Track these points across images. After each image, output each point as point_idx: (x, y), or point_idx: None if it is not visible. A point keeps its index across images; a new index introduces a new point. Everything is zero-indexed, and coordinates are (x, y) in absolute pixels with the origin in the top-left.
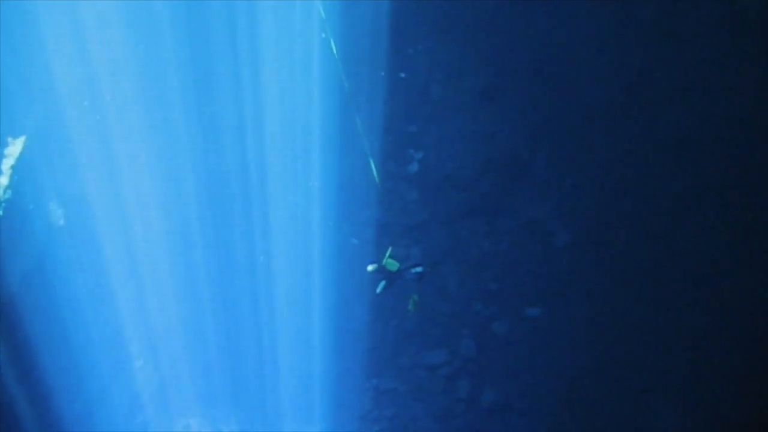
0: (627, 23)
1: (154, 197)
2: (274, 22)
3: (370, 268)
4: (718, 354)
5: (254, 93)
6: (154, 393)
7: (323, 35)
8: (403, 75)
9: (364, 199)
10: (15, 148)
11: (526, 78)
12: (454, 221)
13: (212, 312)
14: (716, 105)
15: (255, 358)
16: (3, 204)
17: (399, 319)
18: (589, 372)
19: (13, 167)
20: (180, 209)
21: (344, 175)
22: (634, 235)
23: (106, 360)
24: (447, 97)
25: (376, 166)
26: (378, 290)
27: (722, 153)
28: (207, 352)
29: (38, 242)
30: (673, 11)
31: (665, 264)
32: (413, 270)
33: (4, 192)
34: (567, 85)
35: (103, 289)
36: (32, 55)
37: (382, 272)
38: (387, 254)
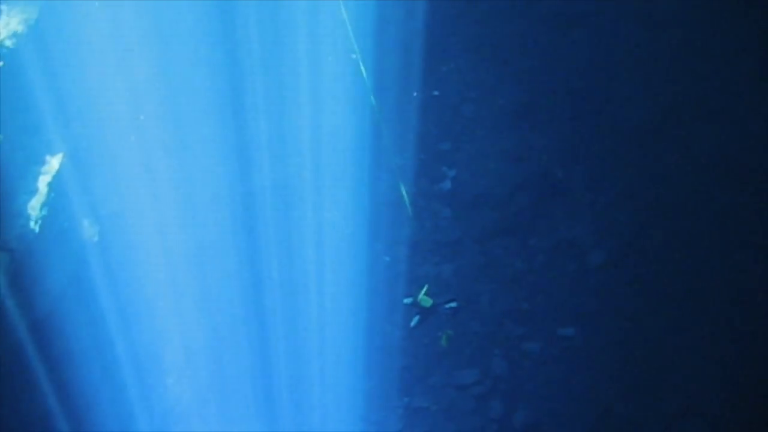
0: (662, 43)
1: (188, 215)
2: (305, 43)
3: (406, 301)
4: (756, 379)
5: (286, 112)
6: (187, 409)
7: (354, 56)
8: (436, 93)
9: (397, 217)
10: (52, 165)
11: (560, 97)
12: (487, 239)
13: (245, 329)
14: (753, 125)
15: (287, 375)
16: (39, 221)
17: (431, 337)
18: (622, 394)
19: (49, 185)
20: (213, 227)
21: (377, 193)
22: (669, 255)
23: (140, 376)
24: (480, 115)
25: (408, 184)
26: (412, 324)
27: (760, 174)
28: (239, 369)
29: (73, 259)
30: (710, 32)
31: (701, 286)
32: (447, 305)
33: (41, 209)
34: (601, 105)
35: (137, 305)
36: (70, 74)
37: (416, 306)
38: (423, 291)
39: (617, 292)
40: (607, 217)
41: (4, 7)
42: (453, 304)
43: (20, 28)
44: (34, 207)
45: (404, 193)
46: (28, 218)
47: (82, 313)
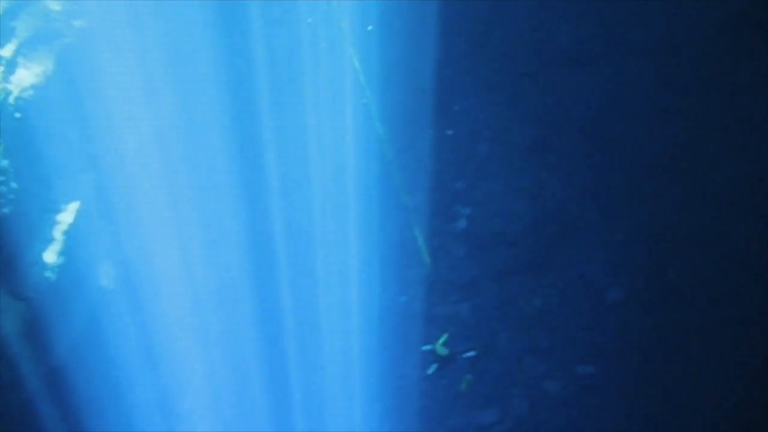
0: (676, 79)
1: (202, 258)
2: (314, 86)
3: (424, 348)
4: None
5: (298, 155)
6: None
7: (364, 100)
8: (449, 132)
9: (412, 257)
10: (68, 214)
11: (573, 134)
12: (503, 277)
13: (264, 374)
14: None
15: (304, 418)
16: (56, 269)
17: (449, 379)
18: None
19: (65, 233)
20: (228, 271)
21: (391, 233)
22: (687, 291)
23: (158, 423)
24: (494, 153)
25: (422, 224)
26: (429, 372)
27: None
28: (259, 415)
29: (90, 306)
30: (723, 67)
31: (721, 321)
32: (465, 355)
33: (57, 257)
34: (615, 141)
35: (154, 352)
36: (86, 124)
37: (434, 355)
38: (441, 341)
39: (636, 329)
40: (624, 254)
41: (21, 59)
42: (472, 353)
43: (37, 80)
44: (50, 255)
45: (418, 233)
46: (44, 267)
47: (99, 361)
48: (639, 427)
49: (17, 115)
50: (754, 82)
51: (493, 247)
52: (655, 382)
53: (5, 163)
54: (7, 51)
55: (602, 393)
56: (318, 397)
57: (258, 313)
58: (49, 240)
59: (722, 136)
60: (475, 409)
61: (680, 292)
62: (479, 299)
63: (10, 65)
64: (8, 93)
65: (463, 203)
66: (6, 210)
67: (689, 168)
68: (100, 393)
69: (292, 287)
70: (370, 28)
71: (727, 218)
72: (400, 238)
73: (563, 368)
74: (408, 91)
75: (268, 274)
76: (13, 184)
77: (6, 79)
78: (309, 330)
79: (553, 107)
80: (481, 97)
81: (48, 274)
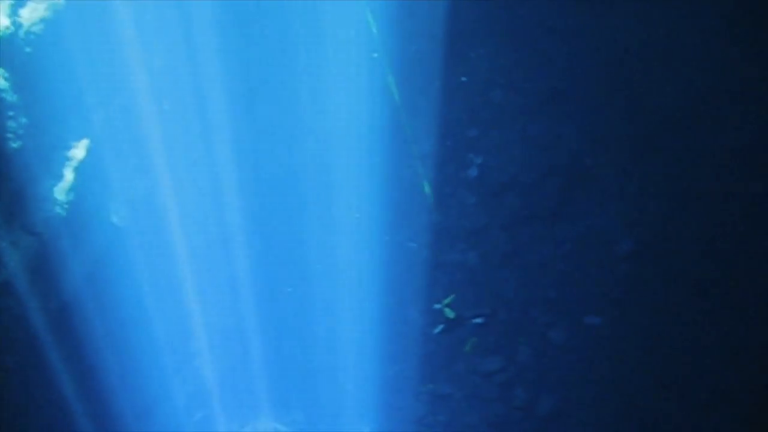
0: (696, 29)
1: (213, 199)
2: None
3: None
4: None
5: (309, 100)
6: (213, 392)
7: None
8: (464, 79)
9: (423, 204)
10: (79, 151)
11: (590, 82)
12: (513, 227)
13: (270, 313)
14: None
15: (312, 360)
16: (66, 205)
17: (455, 335)
18: (649, 384)
19: (76, 169)
20: (240, 211)
21: (402, 180)
22: (700, 245)
23: (166, 359)
24: (508, 101)
25: (434, 171)
26: (435, 331)
27: None
28: (264, 353)
29: (100, 243)
30: (747, 17)
31: (732, 276)
32: (474, 320)
33: (68, 194)
34: (633, 91)
35: (163, 289)
36: (97, 61)
37: (440, 317)
38: (446, 301)
39: (645, 282)
40: (636, 206)
41: None
42: (479, 320)
43: (47, 14)
44: (60, 192)
45: (427, 180)
46: (54, 203)
47: (108, 297)
48: (642, 379)
49: (27, 49)
50: None
51: (504, 195)
52: (661, 336)
53: (15, 97)
54: None
55: (607, 344)
56: (325, 337)
57: (266, 254)
58: (60, 176)
59: (744, 88)
60: (479, 356)
61: (692, 245)
62: (488, 247)
63: None
64: (19, 26)
65: (475, 151)
66: (15, 145)
67: (708, 119)
68: (109, 329)
69: (301, 231)
70: None
71: (744, 171)
72: (411, 184)
73: (570, 319)
74: (423, 38)
75: (278, 216)
76: (23, 119)
77: (16, 13)
78: (317, 272)
79: (571, 55)
80: (498, 45)
81: (58, 210)
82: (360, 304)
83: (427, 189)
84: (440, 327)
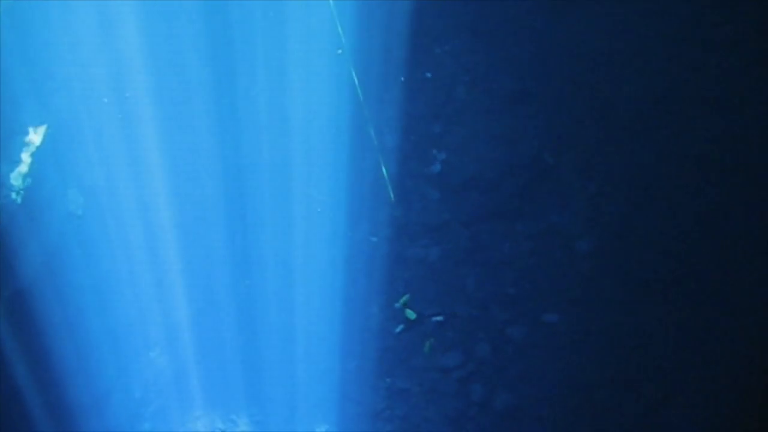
0: (658, 32)
1: (173, 190)
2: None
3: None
4: (740, 370)
5: (272, 93)
6: (168, 384)
7: (339, 51)
8: (429, 75)
9: (384, 199)
10: (36, 136)
11: (554, 83)
12: (474, 223)
13: (227, 306)
14: (747, 116)
15: (268, 353)
16: (22, 192)
17: (414, 322)
18: (605, 380)
19: (33, 155)
20: (198, 203)
21: (364, 174)
22: (658, 246)
23: (122, 349)
24: (473, 98)
25: (396, 166)
26: (396, 330)
27: (754, 166)
28: (221, 346)
29: (56, 231)
30: (706, 22)
31: (688, 277)
32: (433, 319)
33: (24, 180)
34: (595, 92)
35: (119, 279)
36: (55, 45)
37: (400, 317)
38: (403, 300)
39: (603, 281)
40: (597, 205)
41: None
42: (439, 318)
43: None
44: (17, 178)
45: (388, 174)
46: (10, 188)
47: (63, 285)
48: (598, 376)
49: None
50: (735, 37)
51: (467, 192)
52: (617, 334)
53: None
54: None
55: (565, 341)
56: (283, 331)
57: (224, 246)
58: (17, 162)
59: (702, 91)
60: (439, 351)
61: (650, 245)
62: (450, 244)
63: None
64: None
65: (438, 147)
66: None
67: (667, 121)
68: (65, 317)
69: (261, 223)
70: None
71: (703, 172)
72: (373, 179)
73: (528, 315)
74: (388, 33)
75: (237, 208)
76: None
77: None
78: (276, 265)
79: (536, 55)
80: (464, 42)
81: (14, 196)
82: (319, 298)
83: (389, 184)
84: (401, 327)
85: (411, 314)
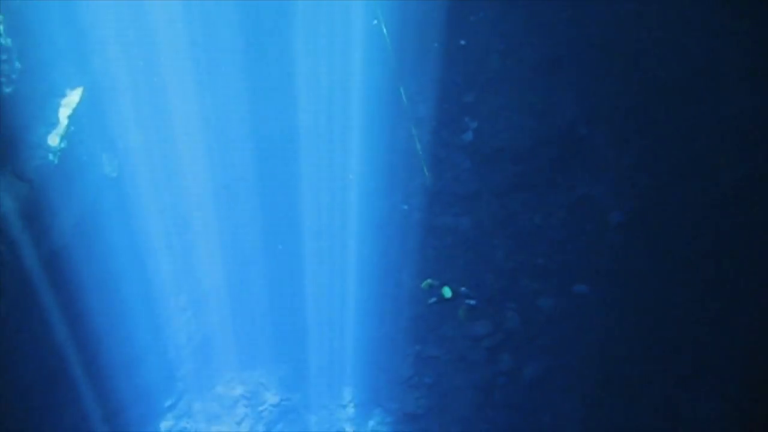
0: (697, 3)
1: (207, 155)
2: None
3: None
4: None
5: (308, 62)
6: (200, 344)
7: (375, 22)
8: (463, 43)
9: (417, 167)
10: (72, 98)
11: (589, 52)
12: (506, 193)
13: (260, 270)
14: None
15: (299, 319)
16: (58, 153)
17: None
18: (634, 353)
19: (69, 117)
20: (232, 167)
21: (397, 142)
22: (689, 219)
23: (156, 311)
24: (506, 67)
25: (429, 135)
26: (429, 302)
27: None
28: (253, 310)
29: (91, 192)
30: None
31: (721, 252)
32: (466, 301)
33: (60, 141)
34: (631, 63)
35: (154, 242)
36: (92, 7)
37: (435, 293)
38: (427, 283)
39: (634, 253)
40: (629, 177)
41: None
42: (472, 302)
43: None
44: (54, 139)
45: (420, 143)
46: (47, 150)
47: (98, 246)
48: (627, 349)
49: None
50: None
51: (498, 162)
52: (646, 307)
53: (8, 41)
54: None
55: (594, 312)
56: (314, 297)
57: (259, 211)
58: (54, 123)
59: (741, 63)
60: (468, 320)
61: (682, 218)
62: (480, 213)
63: None
64: None
65: (471, 116)
66: (9, 90)
67: (704, 93)
68: (99, 277)
69: (295, 190)
70: None
71: (737, 147)
72: (406, 147)
73: (558, 286)
74: (424, 1)
75: (272, 173)
76: (17, 64)
77: None
78: (309, 230)
79: (571, 23)
80: (499, 8)
81: (51, 157)
82: (350, 265)
83: (421, 152)
84: (434, 299)
85: (447, 292)
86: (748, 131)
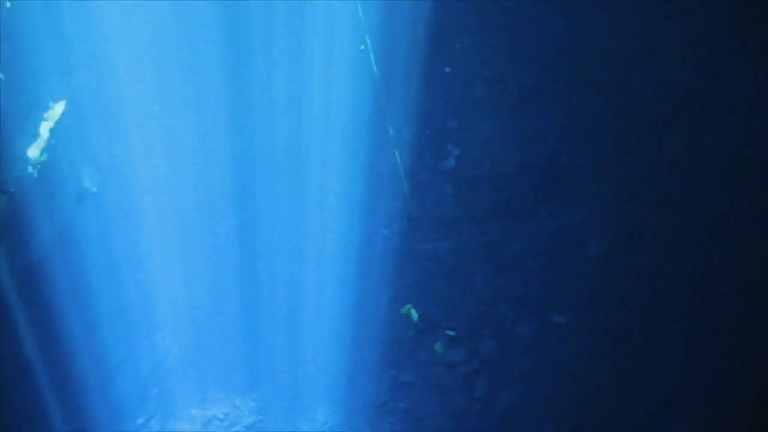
0: (680, 37)
1: (187, 175)
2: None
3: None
4: (747, 377)
5: (291, 84)
6: (174, 366)
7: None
8: (448, 70)
9: (398, 192)
10: (55, 111)
11: (572, 82)
12: (486, 220)
13: (235, 292)
14: (764, 124)
15: (274, 341)
16: (38, 166)
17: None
18: (610, 382)
19: (51, 130)
20: (212, 189)
21: (379, 166)
22: (670, 250)
23: (130, 329)
24: (491, 95)
25: (411, 159)
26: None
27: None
28: (227, 332)
29: (71, 206)
30: (727, 31)
31: (699, 283)
32: (446, 332)
33: (41, 154)
34: (613, 94)
35: (131, 259)
36: (78, 19)
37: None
38: (406, 308)
39: (613, 283)
40: (610, 207)
41: None
42: (451, 333)
43: None
44: (34, 152)
45: (404, 167)
46: (27, 162)
47: (75, 261)
48: (605, 378)
49: (8, 4)
50: (756, 46)
51: (480, 188)
52: (624, 336)
53: None
54: None
55: (572, 342)
56: (290, 319)
57: (237, 231)
58: (35, 136)
59: (720, 98)
60: (445, 347)
61: (663, 249)
62: (460, 239)
63: None
64: None
65: (454, 142)
66: None
67: (684, 126)
68: (75, 292)
69: (274, 211)
70: None
71: (717, 179)
72: (388, 171)
73: (536, 315)
74: (409, 26)
75: (250, 196)
76: (0, 75)
77: None
78: (286, 253)
79: (556, 54)
80: (484, 38)
81: (30, 170)
82: (328, 288)
83: (403, 177)
84: (411, 332)
85: (414, 314)
86: (729, 163)
